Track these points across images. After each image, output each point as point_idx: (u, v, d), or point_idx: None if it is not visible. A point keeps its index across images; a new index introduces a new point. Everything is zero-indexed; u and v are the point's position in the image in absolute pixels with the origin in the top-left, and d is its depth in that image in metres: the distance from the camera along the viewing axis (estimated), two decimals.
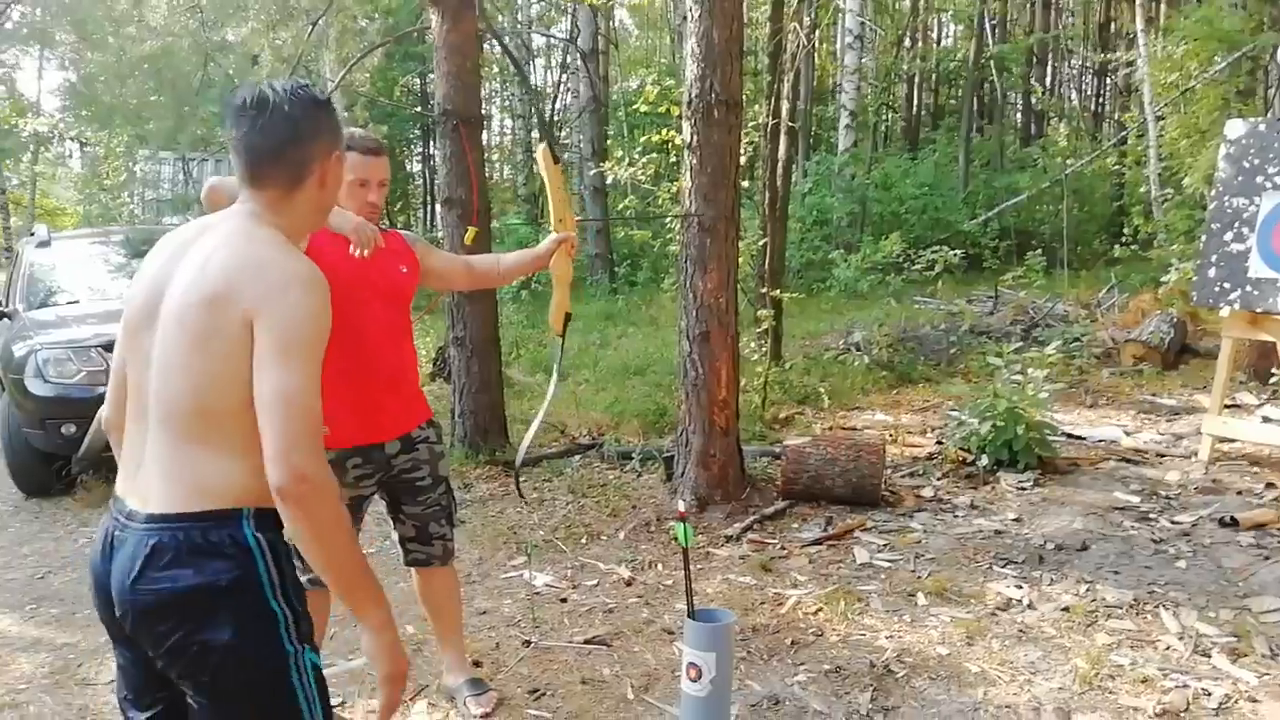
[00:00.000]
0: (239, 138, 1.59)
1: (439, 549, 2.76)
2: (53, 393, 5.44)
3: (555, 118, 22.47)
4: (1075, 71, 24.98)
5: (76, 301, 6.44)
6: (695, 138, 4.49)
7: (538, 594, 3.86)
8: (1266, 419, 5.96)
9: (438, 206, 5.43)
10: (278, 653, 1.53)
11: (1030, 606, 3.54)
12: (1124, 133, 14.77)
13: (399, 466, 2.63)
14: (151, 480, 1.51)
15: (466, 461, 5.69)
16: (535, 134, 21.97)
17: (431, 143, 19.09)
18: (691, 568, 3.96)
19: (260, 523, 1.50)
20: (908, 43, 23.16)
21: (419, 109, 15.94)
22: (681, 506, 2.65)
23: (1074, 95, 25.22)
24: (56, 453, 5.58)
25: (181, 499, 1.49)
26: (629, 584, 3.94)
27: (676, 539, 2.54)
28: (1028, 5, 22.64)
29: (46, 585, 4.31)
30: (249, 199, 1.61)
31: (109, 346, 5.44)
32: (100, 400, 5.98)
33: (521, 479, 5.41)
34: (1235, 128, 5.27)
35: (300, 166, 1.61)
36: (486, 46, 21.46)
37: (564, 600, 3.80)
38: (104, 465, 5.71)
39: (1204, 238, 5.31)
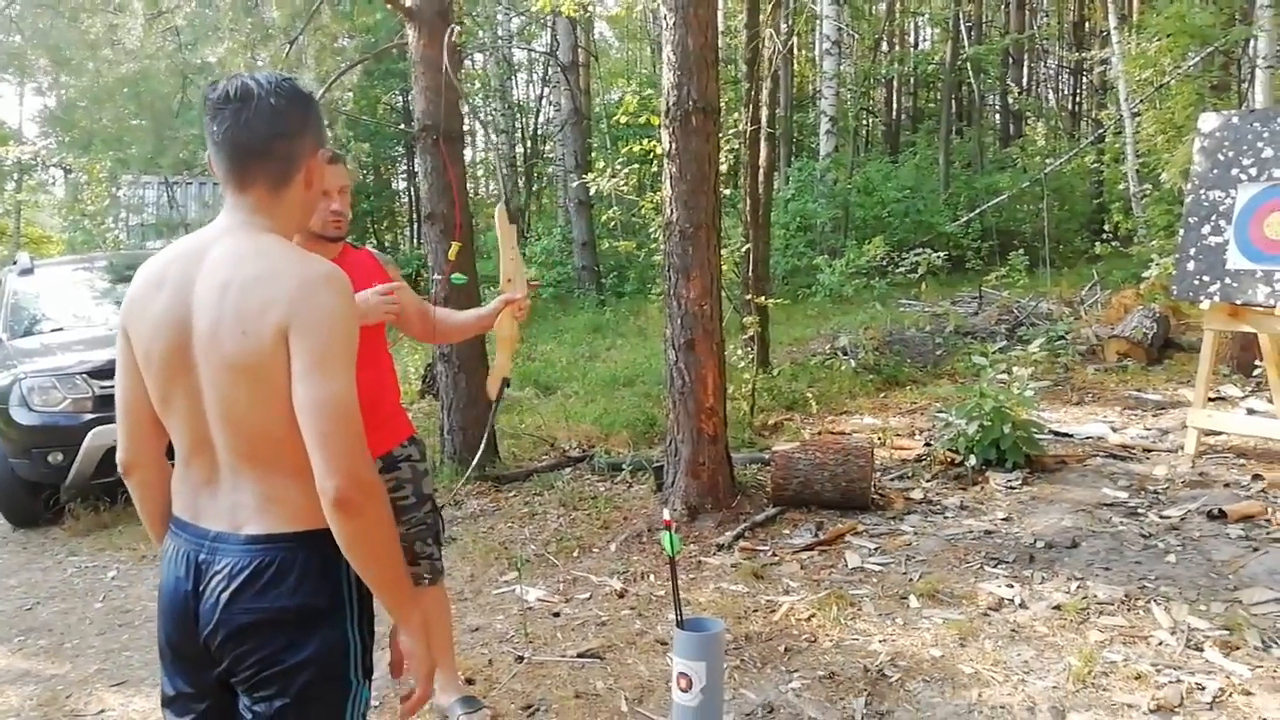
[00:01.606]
0: (221, 133, 1.51)
1: (426, 568, 2.74)
2: (38, 421, 5.40)
3: (538, 131, 22.52)
4: (1051, 71, 25.19)
5: (61, 329, 6.40)
6: (674, 145, 4.50)
7: (530, 609, 3.84)
8: (1251, 411, 6.00)
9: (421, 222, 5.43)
10: (344, 684, 1.54)
11: (1022, 606, 3.55)
12: (1101, 130, 14.91)
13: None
14: (244, 503, 1.50)
15: (456, 478, 5.68)
16: (517, 151, 21.98)
17: (416, 159, 19.10)
18: (683, 577, 3.99)
19: None
20: (885, 47, 23.32)
21: (401, 126, 15.93)
22: (667, 515, 2.64)
23: (1050, 95, 25.43)
24: (43, 482, 5.55)
25: (280, 520, 1.49)
26: (621, 596, 3.93)
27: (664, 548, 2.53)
28: (1002, 6, 22.83)
29: (34, 616, 4.27)
30: (235, 205, 1.54)
31: (94, 373, 5.42)
32: (87, 427, 5.87)
33: (508, 489, 5.41)
34: (1209, 121, 5.32)
35: (288, 162, 1.54)
36: (469, 62, 21.58)
37: (556, 614, 3.79)
38: (92, 493, 5.68)
39: (1182, 231, 5.35)
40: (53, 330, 6.38)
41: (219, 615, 1.48)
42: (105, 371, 5.21)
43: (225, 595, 1.48)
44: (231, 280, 1.46)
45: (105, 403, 5.27)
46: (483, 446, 2.83)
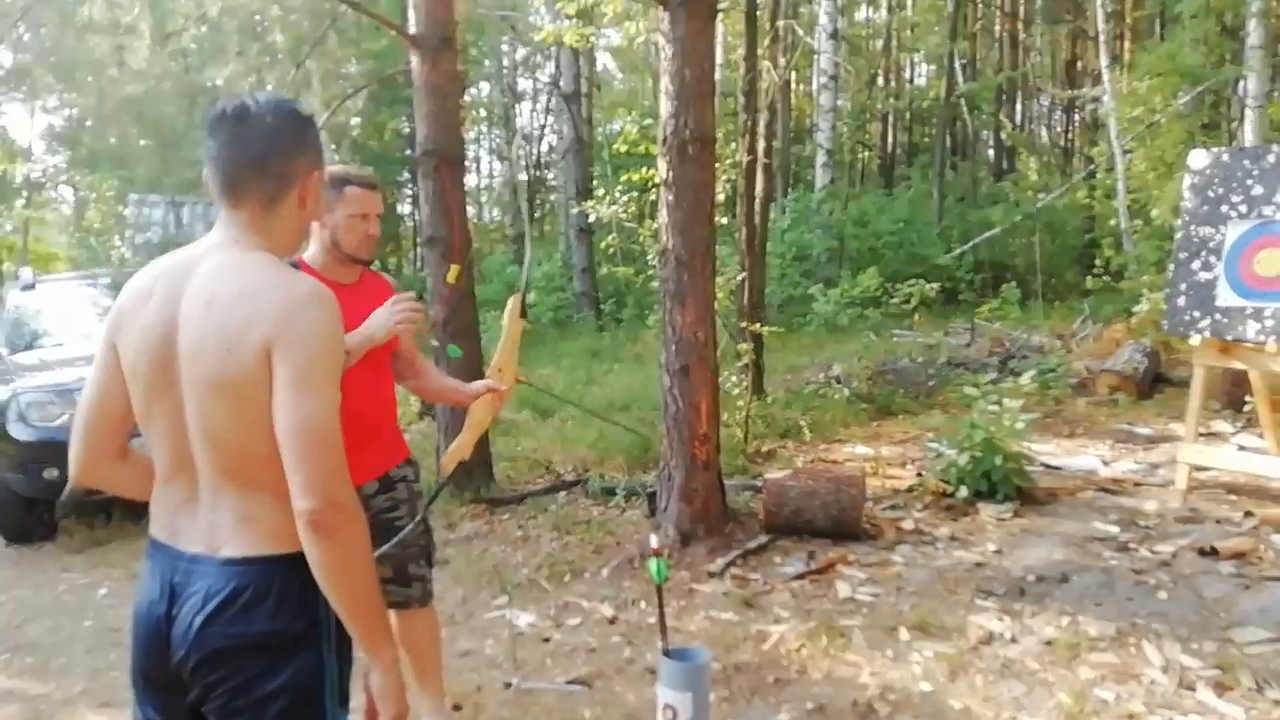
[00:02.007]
0: (217, 148, 1.52)
1: (418, 590, 2.75)
2: (35, 437, 5.40)
3: (541, 159, 22.70)
4: (1044, 108, 25.48)
5: (61, 345, 6.42)
6: (671, 174, 4.56)
7: (521, 634, 3.83)
8: (1241, 447, 6.03)
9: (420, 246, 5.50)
10: (319, 711, 1.51)
11: (1013, 640, 3.55)
12: (1092, 166, 15.05)
13: (377, 507, 2.63)
14: (222, 523, 1.49)
15: (451, 500, 5.67)
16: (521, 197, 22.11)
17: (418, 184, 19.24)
18: (674, 604, 3.99)
19: None
20: (880, 82, 23.58)
21: (408, 152, 16.08)
22: (654, 542, 2.64)
23: (1043, 131, 25.70)
24: (38, 497, 5.52)
25: (258, 542, 1.47)
26: (612, 622, 3.93)
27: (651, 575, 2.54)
28: (996, 45, 23.14)
29: (23, 634, 4.25)
30: (227, 221, 1.55)
31: None
32: None
33: (502, 512, 5.41)
34: (1199, 158, 5.38)
35: (281, 180, 1.54)
36: (474, 90, 21.80)
37: (547, 640, 3.78)
38: (87, 510, 5.66)
39: (1172, 267, 5.40)
40: (53, 346, 6.39)
41: (192, 640, 1.46)
42: None
43: (199, 619, 1.45)
44: (216, 296, 1.46)
45: None
46: (429, 498, 2.74)
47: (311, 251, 2.55)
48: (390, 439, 2.69)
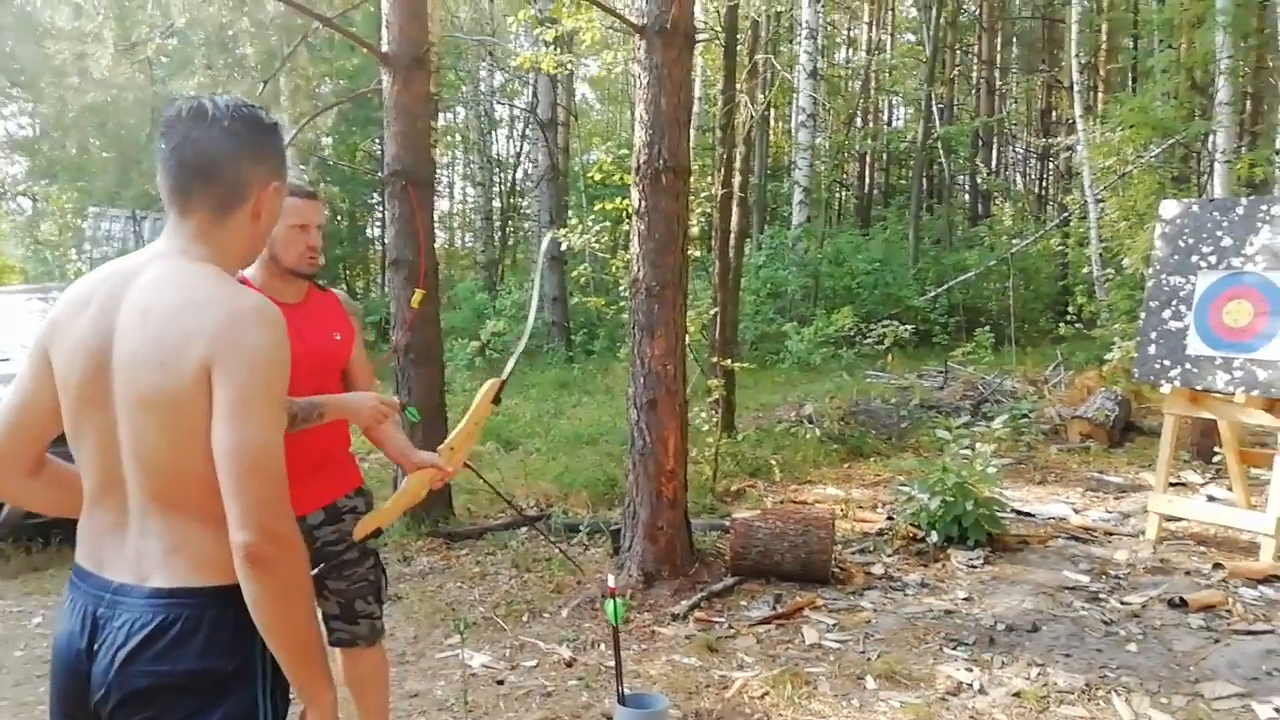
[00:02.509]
0: (169, 151, 1.43)
1: (365, 628, 2.59)
2: None
3: (516, 187, 22.67)
4: (1019, 155, 25.92)
5: (8, 359, 6.18)
6: (644, 203, 4.48)
7: (474, 675, 3.67)
8: (1211, 498, 6.01)
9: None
10: None
11: (981, 691, 3.45)
12: (1066, 214, 15.27)
13: (322, 539, 2.48)
14: (151, 551, 1.38)
15: (407, 533, 5.50)
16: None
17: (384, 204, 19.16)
18: (635, 647, 3.85)
19: None
20: (859, 122, 23.88)
21: (378, 173, 15.97)
22: (612, 581, 2.53)
23: (1018, 178, 26.12)
24: None
25: (190, 572, 1.37)
26: (570, 665, 3.78)
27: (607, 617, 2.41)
28: (973, 91, 23.54)
29: None
30: (175, 229, 1.45)
31: None
32: None
33: (460, 547, 5.23)
34: (1170, 208, 5.41)
35: (233, 189, 1.45)
36: (449, 115, 21.78)
37: (500, 682, 3.63)
38: (25, 534, 5.41)
39: (1144, 315, 5.40)
40: (0, 360, 6.15)
41: (113, 677, 1.34)
42: None
43: (121, 655, 1.34)
44: (154, 308, 1.37)
45: None
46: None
47: (252, 269, 2.41)
48: (340, 466, 2.55)
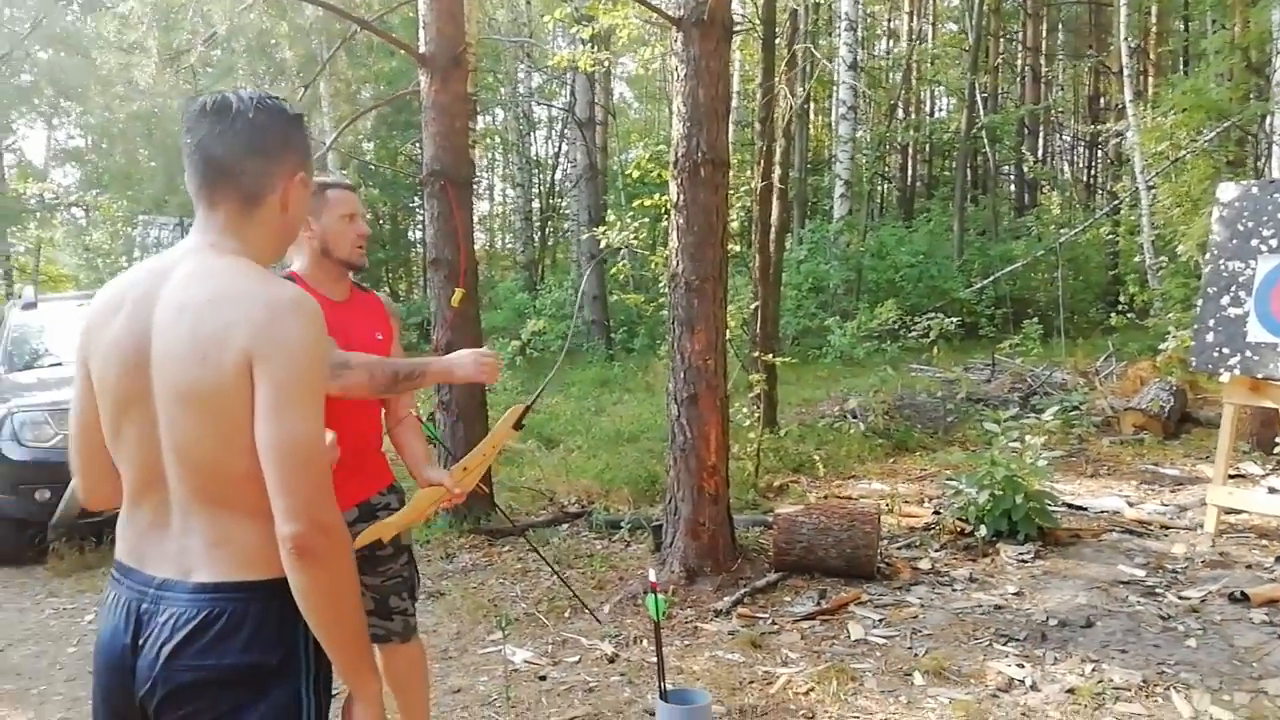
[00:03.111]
0: (195, 145, 1.42)
1: (399, 624, 2.59)
2: (28, 457, 5.31)
3: (554, 187, 22.76)
4: (1066, 143, 25.38)
5: (60, 364, 6.34)
6: (682, 197, 4.44)
7: (516, 671, 3.67)
8: (1272, 490, 5.81)
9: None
10: None
11: (1033, 688, 3.35)
12: (1116, 202, 14.90)
13: (356, 536, 2.48)
14: (194, 548, 1.38)
15: (450, 530, 5.53)
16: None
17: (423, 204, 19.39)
18: (678, 643, 3.82)
19: None
20: (900, 114, 23.56)
21: (418, 177, 16.16)
22: (653, 576, 2.49)
23: (1065, 166, 25.58)
24: (29, 519, 5.41)
25: (233, 567, 1.37)
26: (612, 661, 3.76)
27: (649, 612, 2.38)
28: (1018, 79, 23.09)
29: (4, 660, 4.13)
30: (204, 224, 1.45)
31: None
32: None
33: (501, 544, 5.24)
34: (1228, 191, 5.23)
35: (260, 182, 1.44)
36: (488, 117, 21.93)
37: (543, 678, 3.62)
38: (78, 533, 5.54)
39: (1201, 302, 5.23)
40: (51, 365, 6.32)
41: (158, 672, 1.34)
42: None
43: (166, 650, 1.34)
44: (189, 303, 1.36)
45: None
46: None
47: (301, 264, 2.43)
48: (374, 464, 2.55)
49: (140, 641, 1.37)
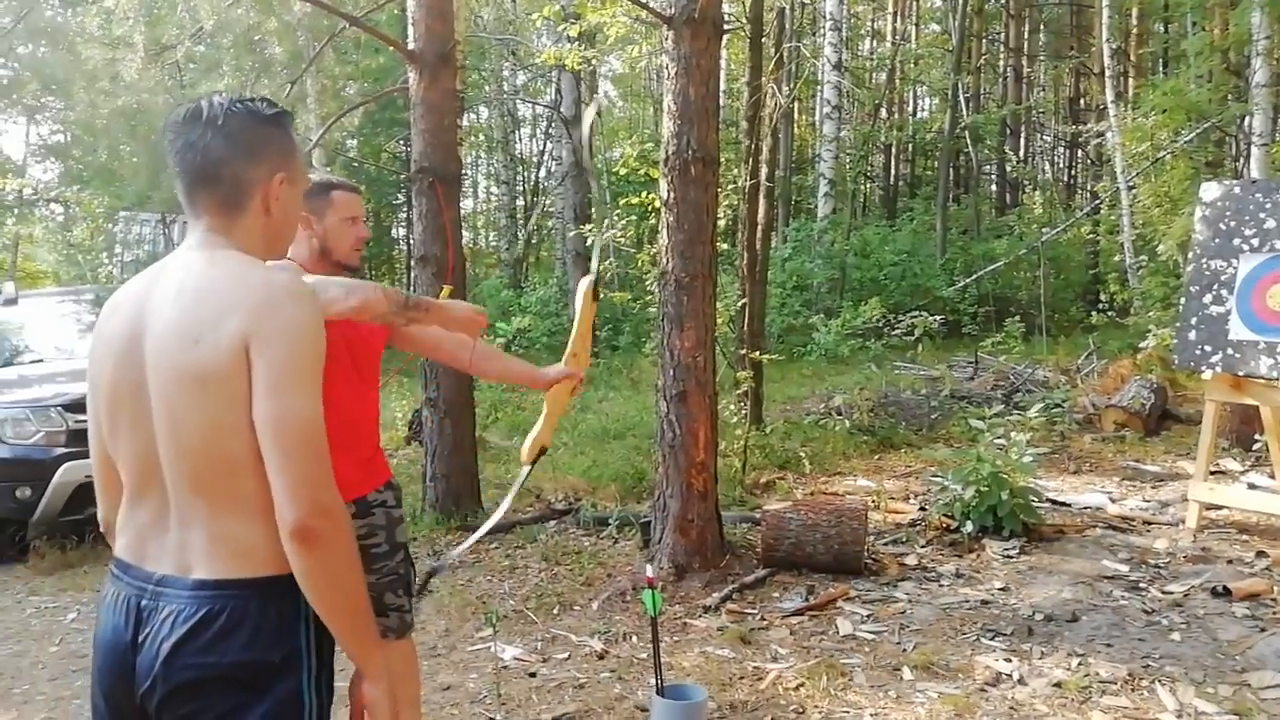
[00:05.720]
0: (173, 156, 1.44)
1: (395, 621, 2.58)
2: (9, 454, 5.25)
3: (539, 184, 22.69)
4: (1048, 143, 25.56)
5: (41, 360, 6.28)
6: (672, 195, 4.44)
7: (505, 667, 3.66)
8: (1252, 485, 5.88)
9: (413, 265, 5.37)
10: None
11: (1021, 682, 3.38)
12: (1097, 202, 15.03)
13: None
14: (194, 543, 1.37)
15: (437, 527, 5.51)
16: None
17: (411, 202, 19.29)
18: (667, 640, 3.82)
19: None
20: (884, 114, 23.65)
21: (403, 174, 16.05)
22: (650, 572, 2.50)
23: (1047, 166, 25.76)
24: (10, 517, 5.36)
25: (234, 564, 1.36)
26: (601, 657, 3.76)
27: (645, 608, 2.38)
28: (1000, 79, 23.23)
29: None
30: (191, 230, 1.46)
31: (70, 406, 5.28)
32: (58, 462, 5.70)
33: (489, 541, 5.24)
34: (1210, 190, 5.29)
35: (236, 189, 1.44)
36: (473, 114, 21.84)
37: (533, 674, 3.61)
38: (60, 531, 5.48)
39: (1183, 300, 5.29)
40: (32, 362, 6.25)
41: (158, 670, 1.33)
42: (81, 405, 5.05)
43: (167, 647, 1.33)
44: (184, 287, 1.37)
45: (79, 437, 5.11)
46: (501, 508, 2.54)
47: (302, 262, 2.42)
48: (369, 459, 2.54)
49: (140, 638, 1.36)
